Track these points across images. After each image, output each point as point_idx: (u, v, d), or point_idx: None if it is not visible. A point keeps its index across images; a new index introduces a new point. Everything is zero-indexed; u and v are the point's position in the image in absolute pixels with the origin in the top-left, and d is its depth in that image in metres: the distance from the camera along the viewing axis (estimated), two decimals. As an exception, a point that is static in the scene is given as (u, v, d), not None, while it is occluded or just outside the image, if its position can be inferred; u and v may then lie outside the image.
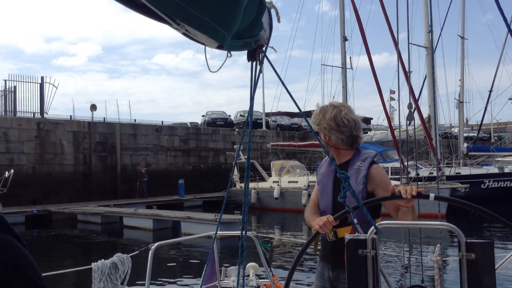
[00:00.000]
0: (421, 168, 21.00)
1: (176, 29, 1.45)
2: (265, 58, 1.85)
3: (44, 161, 21.56)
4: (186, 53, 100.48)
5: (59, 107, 72.49)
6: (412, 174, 20.89)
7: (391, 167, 22.25)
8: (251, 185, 22.92)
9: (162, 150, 25.82)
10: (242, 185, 23.44)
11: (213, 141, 28.11)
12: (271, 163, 23.41)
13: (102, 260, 3.26)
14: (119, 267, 3.28)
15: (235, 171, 23.42)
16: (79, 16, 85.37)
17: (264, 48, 1.83)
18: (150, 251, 3.32)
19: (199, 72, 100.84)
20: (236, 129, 25.94)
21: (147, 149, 25.15)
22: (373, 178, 2.53)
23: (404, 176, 19.81)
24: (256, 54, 1.83)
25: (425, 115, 21.18)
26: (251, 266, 3.83)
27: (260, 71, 1.86)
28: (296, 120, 34.84)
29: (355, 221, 1.98)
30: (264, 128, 30.76)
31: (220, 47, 1.61)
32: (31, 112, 22.58)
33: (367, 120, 45.01)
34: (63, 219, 19.27)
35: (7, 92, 22.88)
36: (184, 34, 1.51)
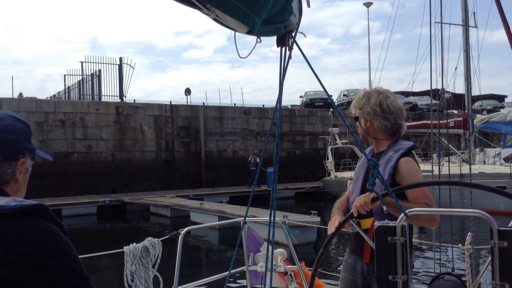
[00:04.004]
0: None
1: (207, 14, 1.47)
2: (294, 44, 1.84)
3: (124, 147, 20.24)
4: (308, 39, 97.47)
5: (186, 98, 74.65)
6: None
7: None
8: (348, 174, 19.35)
9: (251, 134, 23.30)
10: (338, 174, 20.04)
11: (309, 124, 24.93)
12: (373, 148, 19.62)
13: (134, 243, 3.27)
14: (150, 251, 3.29)
15: (330, 158, 20.02)
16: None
17: (293, 34, 1.83)
18: (180, 236, 3.40)
19: (318, 57, 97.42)
20: (331, 110, 22.44)
21: (234, 134, 22.81)
22: (400, 171, 2.43)
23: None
24: (285, 40, 1.82)
25: None
26: (279, 252, 3.70)
27: (290, 57, 1.84)
28: (411, 98, 30.27)
29: (384, 208, 1.95)
30: (369, 108, 26.64)
31: (249, 32, 1.63)
32: (114, 96, 21.40)
33: (501, 98, 38.87)
34: (137, 210, 17.74)
35: (94, 76, 21.98)
36: (214, 19, 1.52)
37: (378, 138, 2.59)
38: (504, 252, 1.48)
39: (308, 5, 1.84)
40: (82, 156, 19.19)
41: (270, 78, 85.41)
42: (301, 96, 29.30)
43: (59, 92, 25.85)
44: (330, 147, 20.36)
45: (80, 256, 1.17)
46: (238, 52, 1.77)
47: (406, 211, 1.67)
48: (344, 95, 29.53)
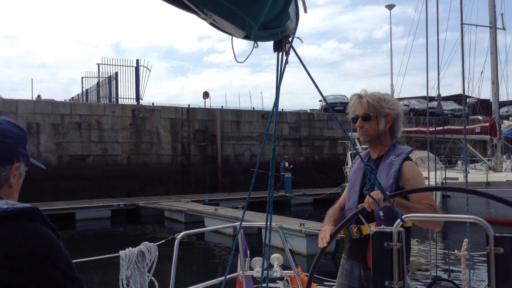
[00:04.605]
0: None
1: (204, 19, 1.48)
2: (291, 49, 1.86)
3: (140, 151, 20.00)
4: (329, 43, 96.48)
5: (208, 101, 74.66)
6: None
7: None
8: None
9: (269, 139, 22.76)
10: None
11: (329, 129, 24.35)
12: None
13: (130, 248, 3.27)
14: (146, 256, 3.30)
15: (349, 163, 19.42)
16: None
17: (290, 39, 1.83)
18: (176, 241, 3.36)
19: (339, 62, 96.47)
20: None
21: (252, 138, 22.40)
22: (404, 174, 2.44)
23: None
24: (282, 45, 1.83)
25: None
26: (276, 257, 3.75)
27: (286, 62, 1.85)
28: (435, 103, 29.46)
29: (381, 213, 1.98)
30: (392, 113, 25.95)
31: (246, 37, 1.64)
32: (130, 98, 21.21)
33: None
34: (152, 215, 17.43)
35: (111, 79, 21.87)
36: (211, 24, 1.53)
37: (385, 141, 2.58)
38: (500, 258, 1.49)
39: (305, 11, 1.82)
40: (97, 159, 19.02)
41: (291, 83, 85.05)
42: (320, 101, 28.77)
43: (78, 95, 25.88)
44: (349, 152, 19.81)
45: (75, 260, 1.17)
46: (235, 56, 1.80)
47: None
48: (365, 99, 28.90)
